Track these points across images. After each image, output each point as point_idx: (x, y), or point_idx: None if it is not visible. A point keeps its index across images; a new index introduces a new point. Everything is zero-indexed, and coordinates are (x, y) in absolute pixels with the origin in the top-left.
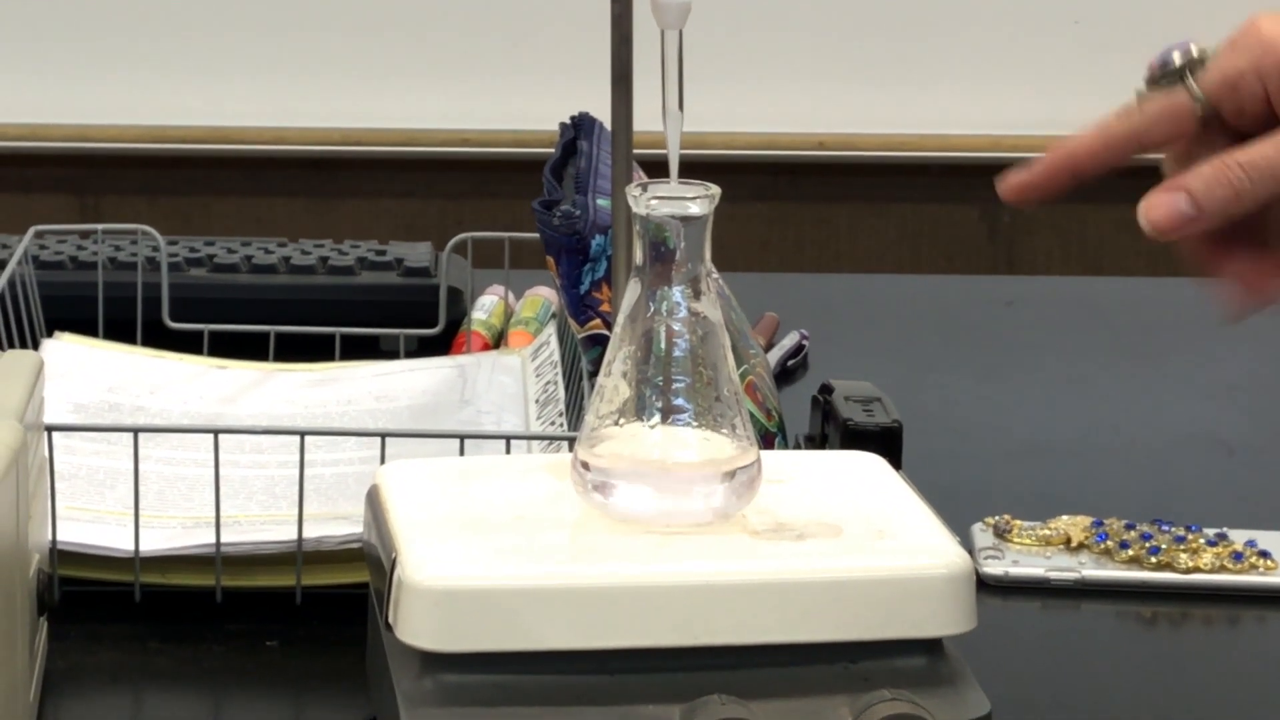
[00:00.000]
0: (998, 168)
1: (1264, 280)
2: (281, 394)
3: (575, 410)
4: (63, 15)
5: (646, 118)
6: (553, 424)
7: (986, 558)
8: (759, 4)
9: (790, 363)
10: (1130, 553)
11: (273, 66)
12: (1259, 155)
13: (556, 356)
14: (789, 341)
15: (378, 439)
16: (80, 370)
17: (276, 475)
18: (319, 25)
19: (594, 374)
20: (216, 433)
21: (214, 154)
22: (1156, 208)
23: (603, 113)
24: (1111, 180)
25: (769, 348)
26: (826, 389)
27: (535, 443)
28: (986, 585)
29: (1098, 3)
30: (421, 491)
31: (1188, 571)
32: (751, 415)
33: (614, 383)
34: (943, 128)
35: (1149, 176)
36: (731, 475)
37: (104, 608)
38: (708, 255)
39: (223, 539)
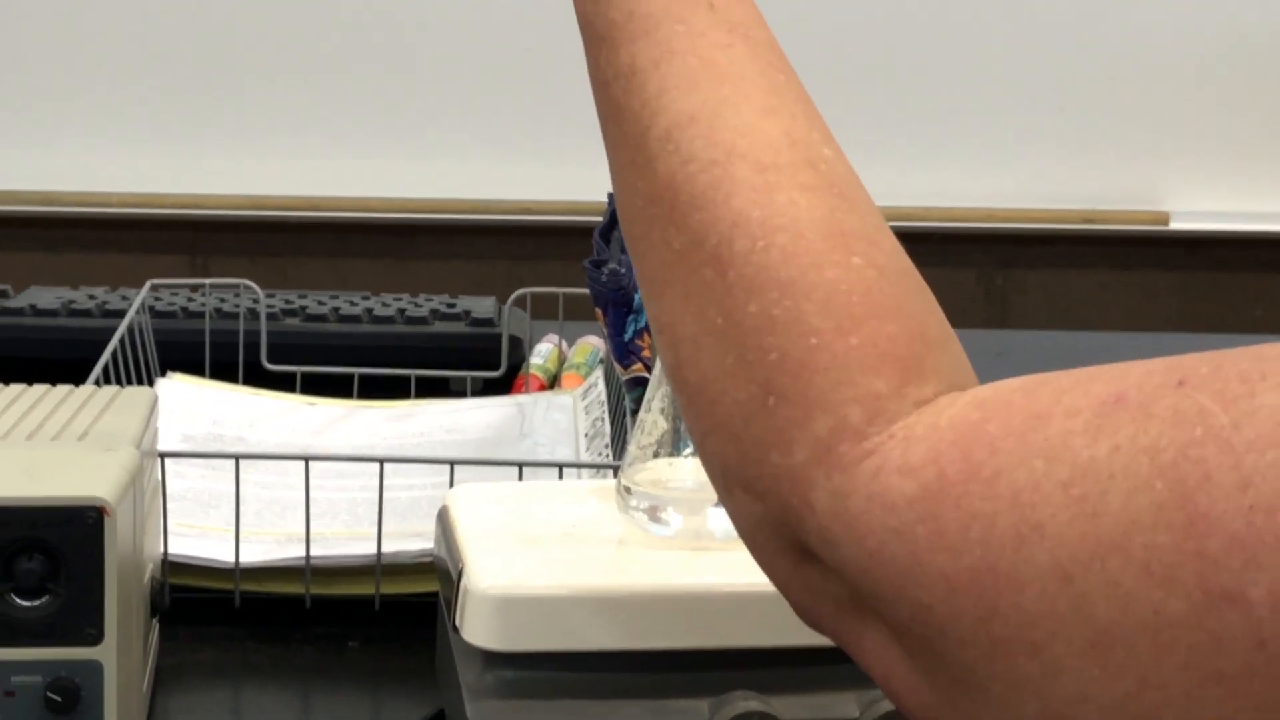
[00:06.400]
0: (993, 236)
1: None
2: (364, 427)
3: (619, 443)
4: (179, 96)
5: None
6: (600, 455)
7: None
8: None
9: None
10: None
11: (359, 142)
12: None
13: (603, 396)
14: None
15: (447, 466)
16: (189, 406)
17: (358, 498)
18: (402, 106)
19: (635, 411)
20: (307, 460)
21: (307, 220)
22: None
23: None
24: (1094, 248)
25: None
26: None
27: (584, 470)
28: None
29: (1080, 94)
30: (485, 511)
31: None
32: None
33: (653, 418)
34: (943, 200)
35: (1125, 244)
36: None
37: (208, 612)
38: None
39: (311, 553)
